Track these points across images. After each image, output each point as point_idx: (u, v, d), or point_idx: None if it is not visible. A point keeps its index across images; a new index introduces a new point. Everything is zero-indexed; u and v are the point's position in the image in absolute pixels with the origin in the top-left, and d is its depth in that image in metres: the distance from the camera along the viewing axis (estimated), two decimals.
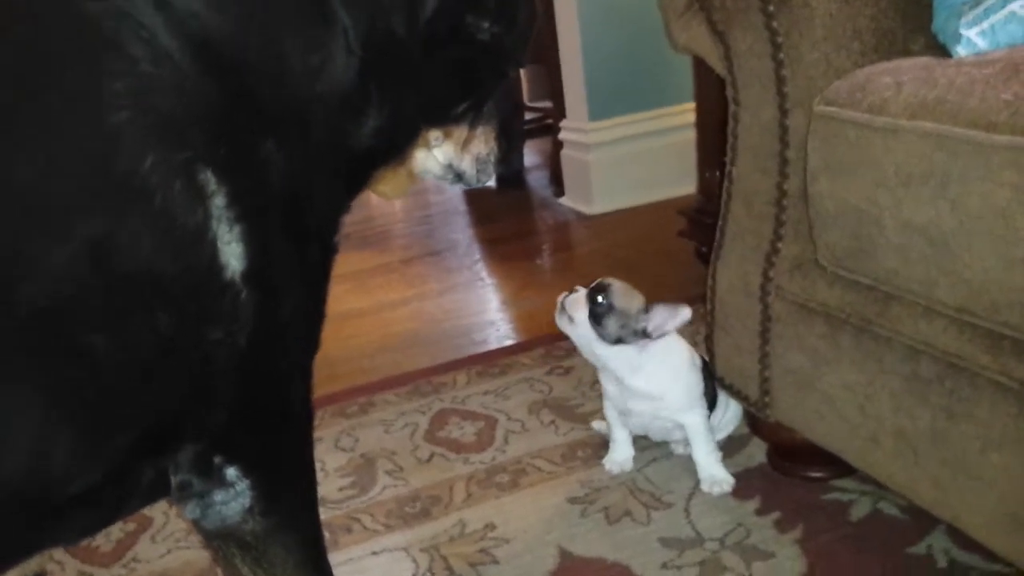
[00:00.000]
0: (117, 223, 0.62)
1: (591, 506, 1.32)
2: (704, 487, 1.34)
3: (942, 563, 1.11)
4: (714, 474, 1.34)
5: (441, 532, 1.31)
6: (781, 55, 1.07)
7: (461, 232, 3.14)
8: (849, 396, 1.08)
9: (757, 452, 1.40)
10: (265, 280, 0.70)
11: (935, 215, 0.83)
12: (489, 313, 2.25)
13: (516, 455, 1.50)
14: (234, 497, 0.76)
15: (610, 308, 1.30)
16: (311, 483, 0.84)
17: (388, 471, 1.49)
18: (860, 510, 1.23)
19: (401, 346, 2.07)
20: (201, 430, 0.72)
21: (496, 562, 1.23)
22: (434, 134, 0.93)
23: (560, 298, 1.35)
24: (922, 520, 1.15)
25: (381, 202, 3.66)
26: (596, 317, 1.30)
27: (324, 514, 1.37)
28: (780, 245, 1.16)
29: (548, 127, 3.56)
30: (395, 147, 0.88)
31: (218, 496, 0.75)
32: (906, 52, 1.02)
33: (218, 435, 0.73)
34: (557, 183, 3.18)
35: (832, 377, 1.10)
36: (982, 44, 0.91)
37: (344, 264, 2.70)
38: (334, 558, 1.04)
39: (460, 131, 0.94)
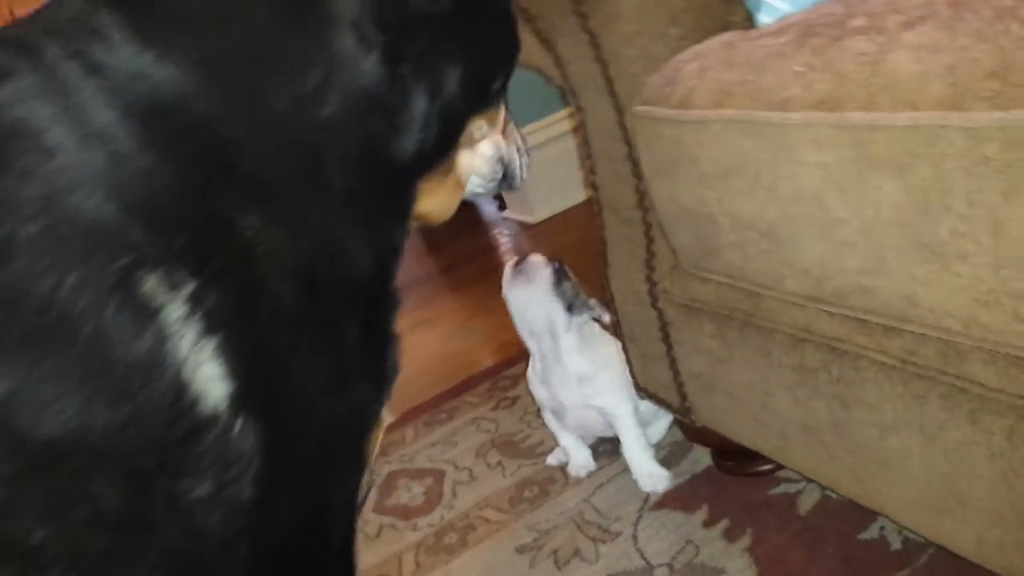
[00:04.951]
0: (25, 376, 0.49)
1: (539, 552, 1.26)
2: (643, 486, 1.30)
3: (896, 545, 1.04)
4: (650, 471, 1.31)
5: None
6: (604, 56, 1.01)
7: (406, 270, 3.08)
8: (751, 394, 1.01)
9: (703, 456, 1.33)
10: (269, 399, 0.55)
11: (758, 207, 0.76)
12: (435, 354, 2.18)
13: (464, 509, 1.43)
14: None
15: (566, 273, 1.32)
16: None
17: None
18: (808, 501, 1.16)
19: None
20: None
21: None
22: (477, 123, 0.74)
23: (510, 264, 1.33)
24: None
25: None
26: (557, 276, 1.30)
27: None
28: (655, 248, 1.09)
29: None
30: (445, 142, 0.70)
31: None
32: (726, 27, 0.95)
33: None
34: (498, 196, 3.12)
35: (731, 377, 1.03)
36: (784, 7, 0.84)
37: None
38: None
39: (500, 114, 0.78)
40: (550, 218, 2.84)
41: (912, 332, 0.72)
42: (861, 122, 0.63)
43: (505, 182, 0.83)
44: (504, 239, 2.94)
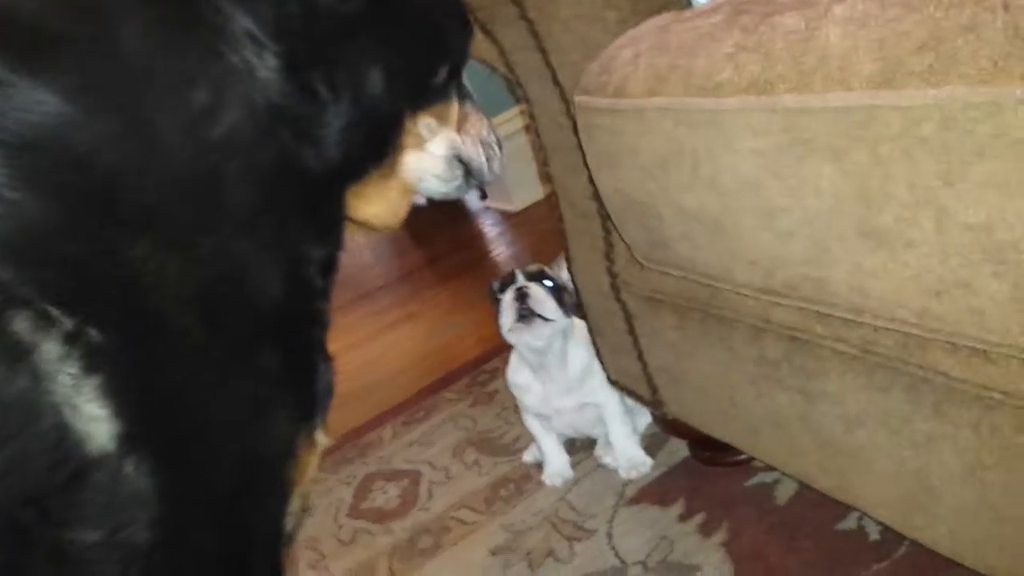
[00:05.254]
0: None
1: (513, 554, 1.23)
2: (623, 473, 1.29)
3: (874, 535, 1.01)
4: (632, 456, 1.29)
5: None
6: (543, 44, 0.96)
7: (392, 265, 3.05)
8: (716, 387, 0.97)
9: (680, 447, 1.29)
10: (166, 437, 0.52)
11: (699, 199, 0.72)
12: (416, 350, 2.15)
13: (439, 510, 1.40)
14: None
15: (559, 287, 1.25)
16: None
17: (311, 563, 1.40)
18: (786, 491, 1.13)
19: (331, 410, 1.97)
20: None
21: None
22: (424, 121, 0.71)
23: (506, 317, 1.23)
24: None
25: None
26: (559, 301, 1.24)
27: None
28: (612, 240, 1.05)
29: None
30: (376, 146, 0.66)
31: None
32: (665, 7, 0.90)
33: None
34: (479, 185, 3.07)
35: (696, 369, 0.99)
36: None
37: None
38: None
39: (451, 109, 0.74)
40: (531, 206, 2.79)
41: (869, 323, 0.67)
42: (793, 105, 0.58)
43: (473, 179, 0.79)
44: (488, 229, 2.90)
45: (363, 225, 0.72)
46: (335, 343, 2.31)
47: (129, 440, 0.50)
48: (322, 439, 0.68)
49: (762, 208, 0.66)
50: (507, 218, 2.86)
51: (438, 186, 0.76)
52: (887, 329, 0.66)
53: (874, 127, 0.54)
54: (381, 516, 1.45)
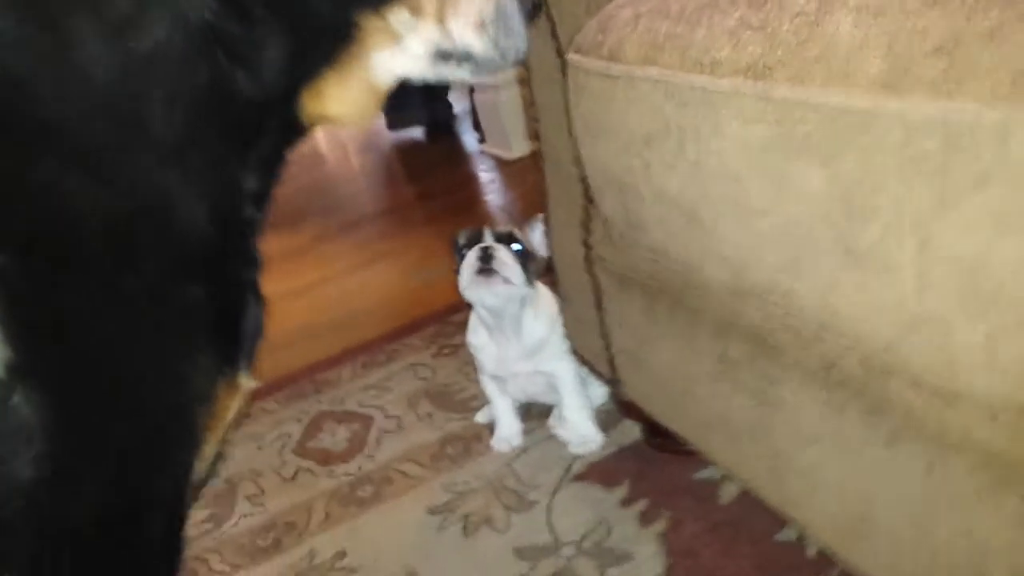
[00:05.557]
0: None
1: (450, 515, 1.20)
2: (573, 448, 1.26)
3: (812, 551, 0.97)
4: (584, 431, 1.26)
5: (287, 568, 1.19)
6: None
7: (381, 198, 2.99)
8: (675, 377, 0.93)
9: (634, 428, 1.26)
10: (62, 371, 0.49)
11: (680, 182, 0.66)
12: (389, 291, 2.10)
13: (385, 460, 1.37)
14: None
15: (526, 253, 1.21)
16: None
17: (249, 496, 1.38)
18: (731, 490, 1.10)
19: (297, 341, 1.93)
20: None
21: None
22: (396, 15, 0.60)
23: (466, 272, 1.19)
24: None
25: (306, 168, 3.50)
26: (524, 267, 1.19)
27: None
28: (592, 210, 0.99)
29: None
30: (315, 52, 0.58)
31: None
32: None
33: None
34: (479, 129, 2.99)
35: (657, 356, 0.95)
36: None
37: None
38: None
39: None
40: (528, 156, 2.72)
41: (832, 342, 0.63)
42: (789, 96, 0.53)
43: (481, 69, 0.65)
44: (482, 173, 2.83)
45: (331, 121, 0.64)
46: (312, 272, 2.25)
47: (18, 369, 0.47)
48: (247, 382, 0.64)
49: (741, 204, 0.60)
50: (502, 165, 2.79)
51: (438, 78, 0.65)
52: (852, 350, 0.62)
53: (871, 134, 0.48)
54: (326, 458, 1.42)
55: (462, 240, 1.24)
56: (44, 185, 0.48)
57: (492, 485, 1.24)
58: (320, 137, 4.12)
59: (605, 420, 1.29)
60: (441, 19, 0.63)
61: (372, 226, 2.67)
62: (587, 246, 1.03)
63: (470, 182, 2.81)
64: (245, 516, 1.33)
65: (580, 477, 1.20)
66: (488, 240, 1.20)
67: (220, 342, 0.59)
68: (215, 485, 1.43)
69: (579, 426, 1.26)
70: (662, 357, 0.94)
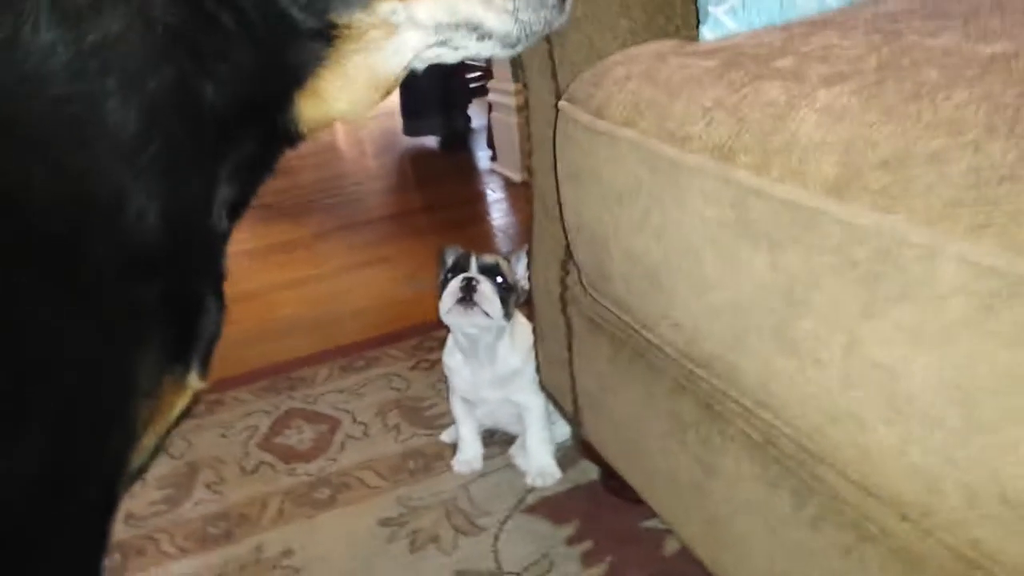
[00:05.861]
0: None
1: (400, 530, 1.21)
2: (530, 480, 1.27)
3: None
4: (542, 465, 1.28)
5: (234, 559, 1.21)
6: (550, 35, 0.91)
7: (386, 202, 3.01)
8: (629, 427, 0.94)
9: (592, 469, 1.27)
10: None
11: (645, 244, 0.68)
12: (377, 297, 2.12)
13: (346, 466, 1.39)
14: None
15: (508, 287, 1.22)
16: None
17: (208, 483, 1.39)
18: (675, 542, 1.11)
19: (279, 334, 1.95)
20: None
21: None
22: (384, 6, 0.59)
23: (447, 299, 1.21)
24: None
25: (322, 162, 3.53)
26: (503, 301, 1.21)
27: (125, 532, 1.29)
28: (571, 251, 1.01)
29: None
30: (295, 60, 0.57)
31: None
32: (677, 32, 0.86)
33: None
34: (492, 147, 3.02)
35: (616, 404, 0.97)
36: (732, 24, 0.74)
37: (254, 239, 2.61)
38: None
39: None
40: None
41: (769, 420, 0.64)
42: (747, 183, 0.55)
43: (503, 45, 0.63)
44: (489, 192, 2.86)
45: (337, 121, 0.63)
46: (306, 267, 2.27)
47: None
48: (195, 382, 0.65)
49: (696, 275, 0.62)
50: (509, 186, 2.82)
51: (460, 58, 0.63)
52: (785, 430, 0.63)
53: (815, 233, 0.50)
54: (289, 455, 1.44)
55: (449, 260, 1.26)
56: None
57: (445, 505, 1.25)
58: (340, 133, 4.16)
59: (565, 458, 1.31)
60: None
61: (373, 229, 2.69)
62: (564, 285, 1.05)
63: (476, 198, 2.84)
64: (201, 502, 1.35)
65: (531, 509, 1.22)
66: (473, 270, 1.22)
67: (172, 341, 0.61)
68: (176, 468, 1.44)
69: (539, 459, 1.28)
70: (621, 405, 0.95)
